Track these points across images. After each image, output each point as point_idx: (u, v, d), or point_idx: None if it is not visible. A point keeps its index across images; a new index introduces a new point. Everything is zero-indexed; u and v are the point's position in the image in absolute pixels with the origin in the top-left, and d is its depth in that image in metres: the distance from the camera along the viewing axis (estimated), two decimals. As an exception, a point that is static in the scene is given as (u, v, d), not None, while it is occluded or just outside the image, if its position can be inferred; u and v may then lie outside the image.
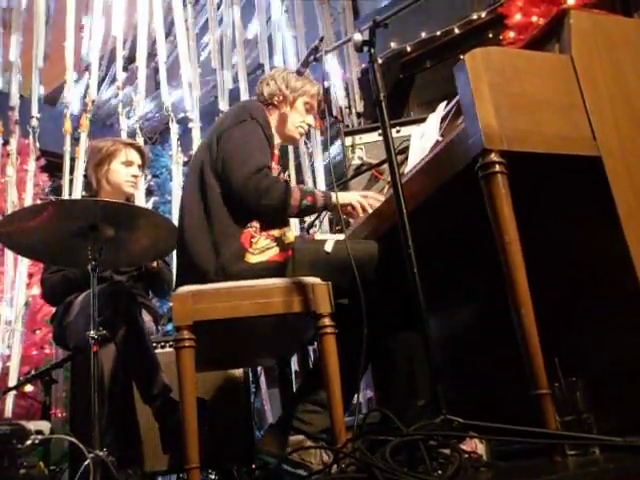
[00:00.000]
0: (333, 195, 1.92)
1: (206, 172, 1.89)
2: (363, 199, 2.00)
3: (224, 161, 1.86)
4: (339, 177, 2.78)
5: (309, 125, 2.21)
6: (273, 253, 1.83)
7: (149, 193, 6.70)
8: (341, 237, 1.94)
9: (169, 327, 4.97)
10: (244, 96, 4.75)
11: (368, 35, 1.60)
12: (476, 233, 1.62)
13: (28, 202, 4.14)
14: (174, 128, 4.64)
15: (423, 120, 2.18)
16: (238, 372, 2.67)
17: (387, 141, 1.54)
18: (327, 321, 1.67)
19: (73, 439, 1.81)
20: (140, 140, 4.26)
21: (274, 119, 2.10)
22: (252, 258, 1.80)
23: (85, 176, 2.74)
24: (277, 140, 2.09)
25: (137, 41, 4.72)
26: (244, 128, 1.91)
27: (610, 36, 1.70)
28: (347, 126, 4.90)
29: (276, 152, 2.05)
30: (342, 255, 1.76)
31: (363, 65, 5.14)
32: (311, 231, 2.71)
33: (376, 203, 1.99)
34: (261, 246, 1.83)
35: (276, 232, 1.88)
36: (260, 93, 2.15)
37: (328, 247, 1.86)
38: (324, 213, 2.38)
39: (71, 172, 4.17)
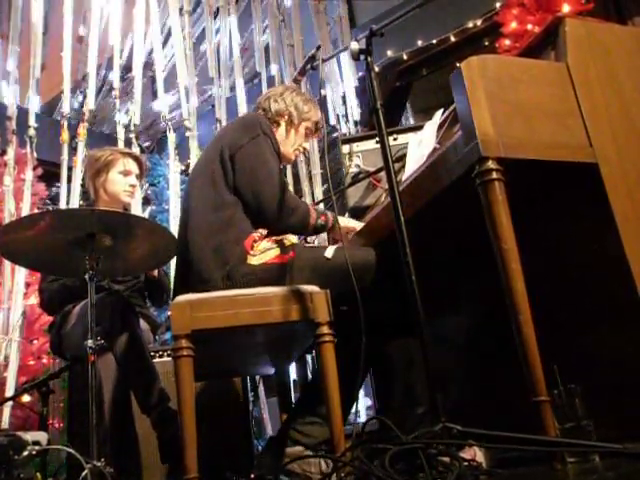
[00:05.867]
0: (339, 219, 2.04)
1: (218, 181, 1.91)
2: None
3: (247, 178, 1.89)
4: (336, 185, 2.78)
5: (304, 149, 2.25)
6: (274, 254, 1.86)
7: (146, 202, 6.69)
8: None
9: (167, 336, 4.95)
10: (241, 105, 4.76)
11: (365, 43, 1.61)
12: (474, 240, 1.62)
13: (25, 212, 4.14)
14: (171, 137, 4.65)
15: (420, 128, 2.19)
16: (236, 381, 2.66)
17: (384, 149, 1.54)
18: (326, 329, 1.67)
19: (71, 450, 1.79)
20: (137, 149, 4.26)
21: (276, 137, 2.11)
22: (253, 260, 1.83)
23: (82, 185, 2.74)
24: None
25: (134, 50, 4.74)
26: (259, 144, 1.94)
27: (605, 43, 1.71)
28: (344, 134, 4.91)
29: (281, 167, 2.07)
30: (342, 261, 1.76)
31: (360, 73, 5.16)
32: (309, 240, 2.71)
33: None
34: (262, 248, 1.86)
35: (277, 237, 1.91)
36: (266, 109, 2.15)
37: (328, 253, 1.88)
38: None
39: (68, 181, 4.17)
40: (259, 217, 1.89)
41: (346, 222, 2.15)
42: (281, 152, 2.13)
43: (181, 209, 2.08)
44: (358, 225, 2.12)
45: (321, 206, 3.53)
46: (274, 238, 1.90)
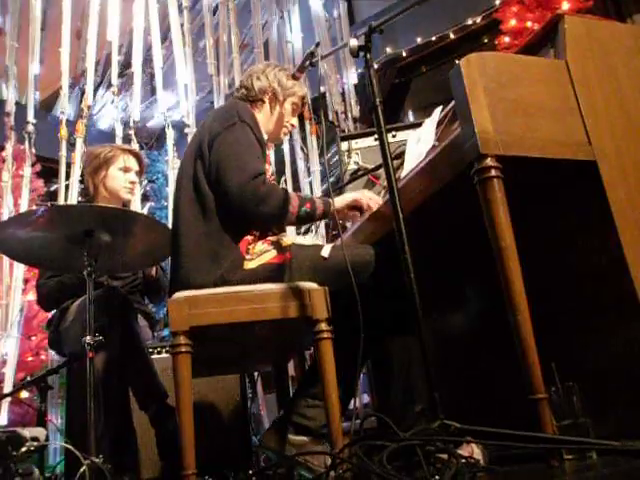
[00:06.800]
0: (336, 199, 1.92)
1: (201, 181, 1.85)
2: (361, 196, 2.00)
3: (218, 168, 1.82)
4: (335, 182, 2.78)
5: (292, 126, 2.18)
6: (271, 256, 1.82)
7: (145, 198, 6.69)
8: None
9: (165, 332, 4.95)
10: (240, 102, 4.75)
11: (364, 40, 1.60)
12: (473, 237, 1.62)
13: (24, 208, 4.13)
14: (170, 133, 4.65)
15: (419, 125, 2.19)
16: (234, 378, 2.66)
17: (383, 146, 1.54)
18: (323, 326, 1.67)
19: (69, 446, 1.80)
20: (136, 145, 4.26)
21: (261, 116, 2.05)
22: (250, 264, 1.79)
23: (81, 182, 2.74)
24: (266, 137, 2.02)
25: (133, 46, 4.73)
26: (234, 132, 1.87)
27: (604, 41, 1.71)
28: (343, 131, 4.91)
29: (268, 152, 2.02)
30: (340, 260, 1.75)
31: (359, 70, 5.16)
32: (307, 236, 2.71)
33: (373, 199, 1.98)
34: (258, 250, 1.82)
35: (272, 237, 1.88)
36: (249, 87, 2.09)
37: (325, 252, 1.85)
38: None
39: (67, 178, 4.17)
40: (234, 212, 1.80)
41: (346, 199, 1.99)
42: (268, 131, 2.06)
43: (172, 211, 2.00)
44: (372, 195, 1.99)
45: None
46: (270, 239, 1.86)
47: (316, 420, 1.76)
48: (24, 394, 3.62)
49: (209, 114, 2.07)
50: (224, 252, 1.78)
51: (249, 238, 1.83)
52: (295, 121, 2.20)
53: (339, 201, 1.98)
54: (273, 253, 1.83)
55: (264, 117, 2.07)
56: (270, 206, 1.79)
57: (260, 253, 1.82)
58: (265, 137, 2.00)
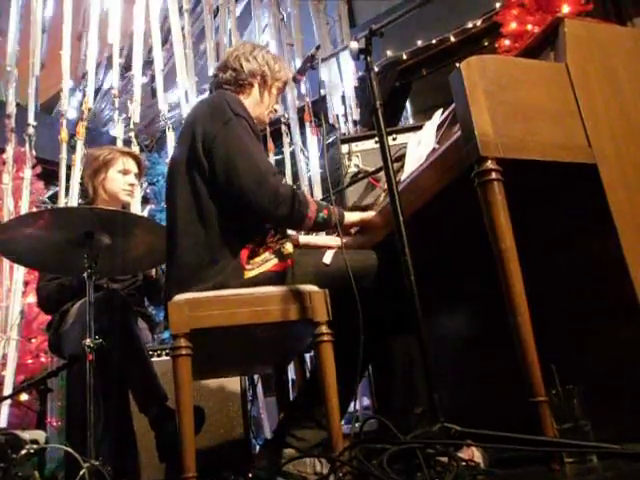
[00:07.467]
0: (345, 214, 1.89)
1: (199, 189, 1.77)
2: (370, 218, 1.96)
3: (228, 169, 1.73)
4: (335, 185, 2.78)
5: (276, 111, 2.10)
6: (272, 264, 1.78)
7: (145, 201, 6.69)
8: (337, 240, 1.91)
9: (166, 335, 4.95)
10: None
11: (364, 43, 1.61)
12: (474, 239, 1.62)
13: (24, 210, 4.13)
14: (170, 135, 4.65)
15: (419, 128, 2.19)
16: (235, 380, 2.66)
17: (383, 149, 1.54)
18: (324, 329, 1.66)
19: (69, 449, 1.79)
20: (136, 148, 4.26)
21: (250, 102, 1.96)
22: (250, 273, 1.75)
23: (81, 184, 2.74)
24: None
25: (133, 49, 4.74)
26: (232, 130, 1.77)
27: (604, 44, 1.72)
28: (343, 134, 4.91)
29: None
30: (342, 266, 1.73)
31: (359, 73, 5.16)
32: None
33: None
34: (260, 260, 1.78)
35: (275, 245, 1.83)
36: (237, 69, 1.97)
37: (327, 259, 1.82)
38: None
39: (67, 180, 4.17)
40: (245, 211, 1.74)
41: (354, 216, 1.96)
42: (256, 117, 1.95)
43: (167, 215, 1.91)
44: (369, 215, 1.97)
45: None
46: (272, 247, 1.81)
47: (305, 441, 1.73)
48: (24, 397, 3.61)
49: (194, 109, 1.97)
50: (223, 262, 1.74)
51: (249, 248, 1.78)
52: (278, 106, 2.12)
53: (352, 216, 1.94)
54: (274, 261, 1.79)
55: (253, 103, 1.98)
56: (290, 208, 1.73)
57: (261, 262, 1.78)
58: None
